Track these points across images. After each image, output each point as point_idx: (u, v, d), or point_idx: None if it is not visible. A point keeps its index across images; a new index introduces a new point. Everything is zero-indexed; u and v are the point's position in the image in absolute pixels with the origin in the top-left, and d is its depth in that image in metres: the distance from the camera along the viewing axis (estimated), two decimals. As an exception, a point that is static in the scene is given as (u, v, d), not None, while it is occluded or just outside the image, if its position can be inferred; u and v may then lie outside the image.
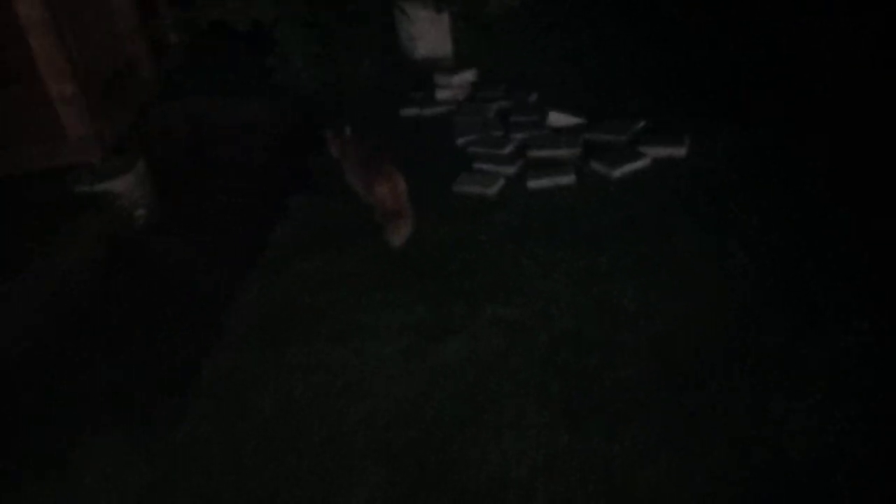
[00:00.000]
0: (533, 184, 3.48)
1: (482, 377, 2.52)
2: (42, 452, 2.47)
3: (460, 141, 3.99)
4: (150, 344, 2.92)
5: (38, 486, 2.36)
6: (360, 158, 3.54)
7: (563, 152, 3.70)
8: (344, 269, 3.13)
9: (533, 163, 3.69)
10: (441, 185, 3.60)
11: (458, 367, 2.56)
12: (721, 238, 2.96)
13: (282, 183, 3.94)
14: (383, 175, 3.34)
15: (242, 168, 4.23)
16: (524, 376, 2.50)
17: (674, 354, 2.48)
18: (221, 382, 2.67)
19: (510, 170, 3.63)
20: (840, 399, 2.26)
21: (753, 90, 4.04)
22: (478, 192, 3.50)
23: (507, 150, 3.83)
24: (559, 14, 5.08)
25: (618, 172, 3.47)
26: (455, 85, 4.55)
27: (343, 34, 4.66)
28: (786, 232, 2.96)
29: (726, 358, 2.44)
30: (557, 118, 4.02)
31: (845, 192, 3.13)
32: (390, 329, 2.78)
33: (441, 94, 4.51)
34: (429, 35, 4.78)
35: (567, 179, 3.48)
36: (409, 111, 4.43)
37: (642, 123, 3.85)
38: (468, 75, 4.61)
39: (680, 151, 3.56)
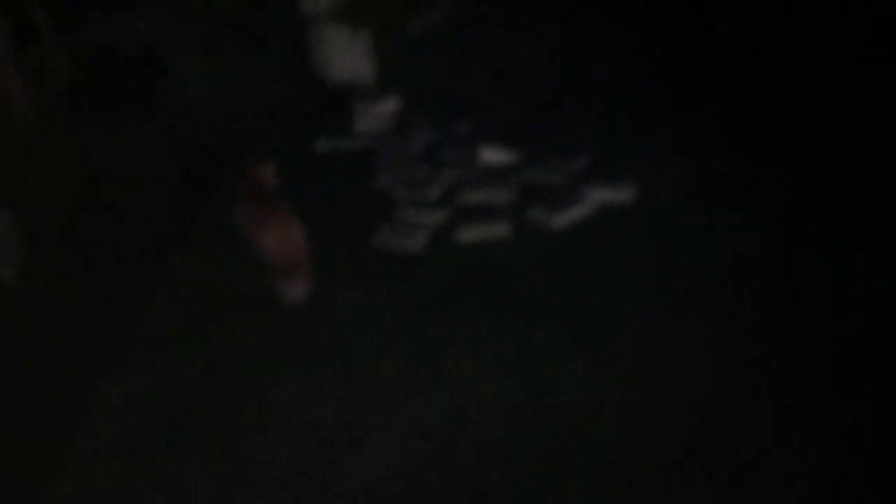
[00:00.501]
0: (463, 236, 3.02)
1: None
2: None
3: (382, 182, 3.51)
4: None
5: None
6: (252, 200, 3.02)
7: (496, 197, 3.25)
8: (232, 354, 2.61)
9: (463, 209, 3.24)
10: (358, 238, 3.11)
11: (361, 495, 2.08)
12: (675, 306, 2.56)
13: (172, 233, 3.40)
14: (272, 221, 2.84)
15: (130, 214, 3.67)
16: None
17: (625, 468, 2.04)
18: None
19: (437, 218, 3.16)
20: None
21: (703, 113, 3.68)
22: (400, 248, 3.02)
23: (434, 193, 3.36)
24: (492, 29, 4.65)
25: (558, 222, 3.04)
26: (377, 114, 4.06)
27: (247, 56, 4.14)
28: (751, 294, 2.57)
29: (689, 474, 2.02)
30: (490, 154, 3.56)
31: (812, 237, 2.78)
32: (279, 443, 2.25)
33: (361, 125, 4.02)
34: (346, 56, 4.28)
35: (501, 230, 3.03)
36: (325, 144, 3.92)
37: (584, 160, 3.44)
38: (391, 103, 4.12)
39: (625, 195, 3.15)
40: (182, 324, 2.76)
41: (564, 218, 3.05)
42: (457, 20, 4.38)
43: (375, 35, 4.18)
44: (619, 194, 3.15)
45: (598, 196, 3.15)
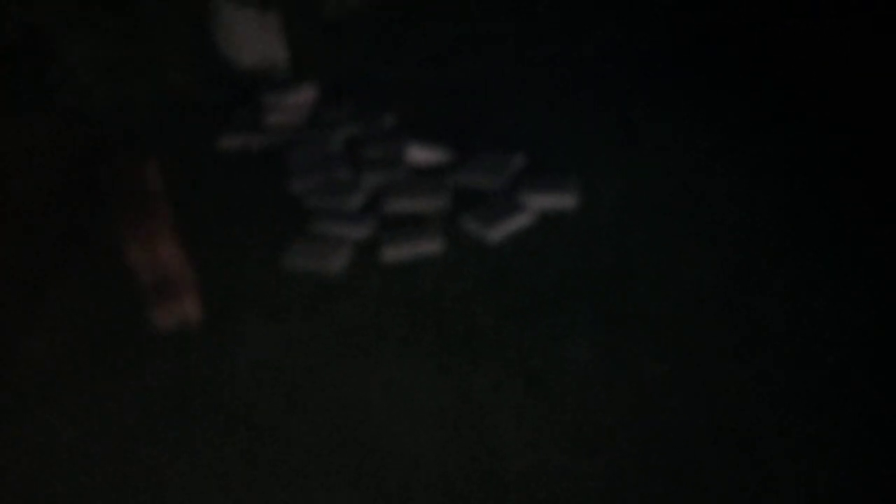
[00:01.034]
0: (389, 254, 2.61)
1: None
2: None
3: (295, 186, 3.05)
4: None
5: None
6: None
7: (426, 204, 2.85)
8: (99, 416, 2.15)
9: (389, 220, 2.82)
10: (267, 257, 2.66)
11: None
12: (630, 333, 2.23)
13: (52, 247, 2.86)
14: (139, 233, 2.41)
15: (4, 219, 3.10)
16: None
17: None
18: None
19: (360, 232, 2.74)
20: None
21: (646, 104, 3.36)
22: (316, 270, 2.59)
23: (356, 202, 2.93)
24: (417, 13, 4.21)
25: (495, 234, 2.67)
26: (289, 105, 3.58)
27: (142, 39, 3.58)
28: (713, 316, 2.27)
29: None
30: (418, 153, 3.15)
31: (776, 249, 2.49)
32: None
33: (272, 118, 3.53)
34: (256, 39, 3.77)
35: (432, 246, 2.63)
36: (231, 141, 3.41)
37: (521, 159, 3.07)
38: (307, 93, 3.64)
39: (568, 201, 2.80)
40: (49, 376, 2.27)
41: (502, 230, 2.67)
42: (377, 2, 3.93)
43: (288, 17, 3.68)
44: (560, 201, 2.79)
45: (538, 203, 2.79)
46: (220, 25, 3.78)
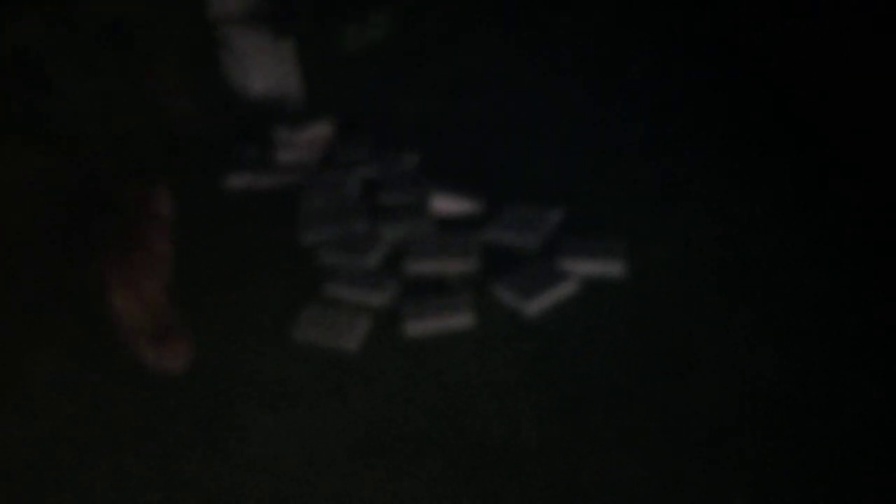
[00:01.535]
0: (413, 328, 2.25)
1: None
2: None
3: (307, 238, 2.70)
4: None
5: None
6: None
7: (453, 266, 2.49)
8: None
9: (412, 283, 2.47)
10: (275, 326, 2.30)
11: None
12: (692, 450, 1.86)
13: (42, 287, 2.50)
14: (125, 277, 2.18)
15: None
16: None
17: None
18: None
19: (379, 299, 2.37)
20: None
21: (691, 152, 3.01)
22: (331, 346, 2.23)
23: (374, 259, 2.57)
24: (440, 45, 3.84)
25: (534, 307, 2.30)
26: (303, 142, 3.22)
27: (143, 67, 3.23)
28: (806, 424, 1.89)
29: None
30: (444, 203, 2.79)
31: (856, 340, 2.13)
32: None
33: (284, 156, 3.17)
34: (268, 68, 3.41)
35: (462, 321, 2.26)
36: (237, 180, 3.06)
37: (557, 214, 2.71)
38: (321, 128, 3.28)
39: (615, 267, 2.44)
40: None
41: (542, 301, 2.31)
42: (399, 36, 3.56)
43: (303, 46, 3.32)
44: (606, 267, 2.43)
45: (582, 270, 2.43)
46: (229, 53, 3.43)
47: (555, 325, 2.25)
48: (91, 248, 2.62)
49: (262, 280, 2.48)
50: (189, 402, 2.04)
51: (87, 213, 2.91)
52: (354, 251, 2.55)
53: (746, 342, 2.14)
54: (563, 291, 2.35)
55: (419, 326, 2.22)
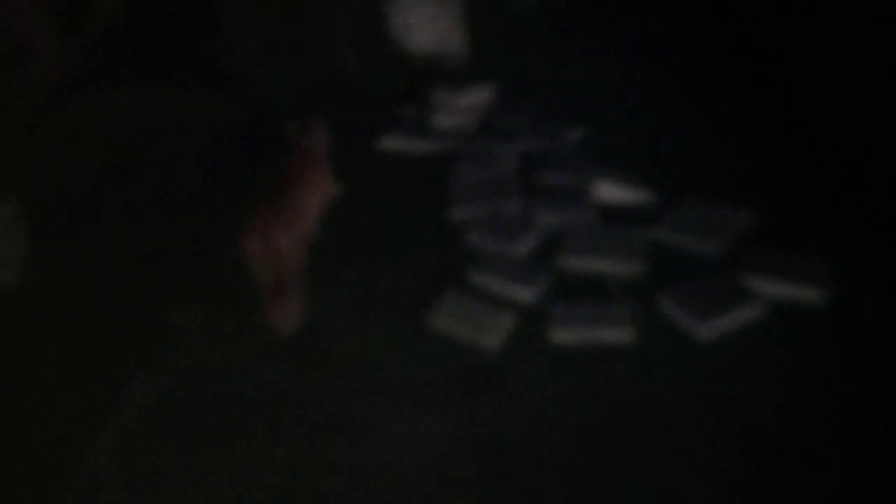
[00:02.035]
0: (561, 335, 1.94)
1: None
2: None
3: (456, 214, 2.44)
4: None
5: None
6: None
7: (614, 266, 2.14)
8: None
9: (565, 282, 2.14)
10: (410, 310, 2.06)
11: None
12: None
13: (210, 223, 2.45)
14: (257, 223, 2.12)
15: (162, 195, 2.71)
16: None
17: None
18: None
19: (527, 294, 2.08)
20: None
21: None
22: (468, 339, 1.98)
23: (525, 246, 2.28)
24: (619, 6, 3.39)
25: (709, 330, 1.92)
26: (461, 107, 2.95)
27: (310, 18, 3.07)
28: None
29: None
30: (609, 189, 2.43)
31: None
32: None
33: (441, 121, 2.91)
34: (432, 24, 3.15)
35: (619, 335, 1.92)
36: (393, 142, 2.84)
37: (746, 216, 2.27)
38: (482, 93, 2.98)
39: (814, 292, 1.99)
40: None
41: (719, 325, 1.92)
42: None
43: (470, 2, 3.02)
44: (803, 291, 1.99)
45: (772, 291, 2.00)
46: (393, 7, 3.19)
47: (732, 355, 1.85)
48: (243, 194, 2.54)
49: (403, 256, 2.26)
50: (311, 384, 1.88)
51: (249, 152, 2.83)
52: (504, 235, 2.27)
53: None
54: (745, 315, 1.94)
55: (568, 334, 1.91)
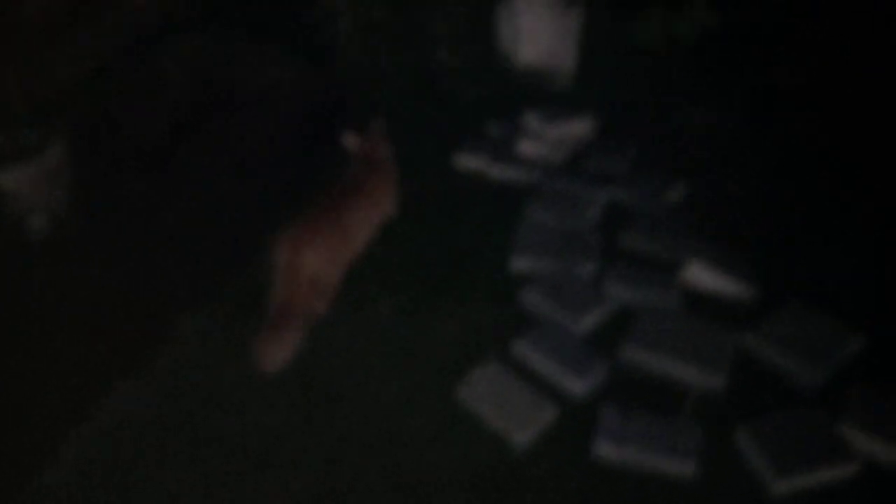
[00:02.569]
0: (607, 450, 1.59)
1: None
2: None
3: (518, 264, 2.12)
4: None
5: None
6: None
7: (691, 376, 1.77)
8: None
9: (627, 378, 1.79)
10: (440, 375, 1.74)
11: None
12: None
13: (275, 203, 2.22)
14: (294, 233, 1.82)
15: (226, 155, 2.50)
16: None
17: None
18: None
19: (576, 387, 1.74)
20: None
21: None
22: (496, 427, 1.67)
23: (588, 322, 1.94)
24: (760, 42, 2.92)
25: (785, 486, 1.52)
26: (553, 137, 2.60)
27: (414, 10, 2.77)
28: None
29: None
30: (701, 274, 2.05)
31: None
32: None
33: (527, 147, 2.58)
34: (542, 37, 2.80)
35: (676, 465, 1.57)
36: (470, 160, 2.54)
37: (857, 346, 1.84)
38: (579, 125, 2.62)
39: (931, 465, 1.58)
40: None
41: (800, 481, 1.54)
42: (713, 32, 2.69)
43: (589, 25, 2.63)
44: (915, 459, 1.59)
45: (874, 448, 1.59)
46: (504, 15, 2.85)
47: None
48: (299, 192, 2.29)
49: (448, 302, 1.95)
50: (305, 435, 1.61)
51: (323, 140, 2.57)
52: (567, 304, 1.93)
53: None
54: (835, 474, 1.56)
55: (616, 450, 1.57)
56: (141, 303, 1.94)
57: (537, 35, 2.78)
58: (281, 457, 1.56)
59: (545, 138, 2.55)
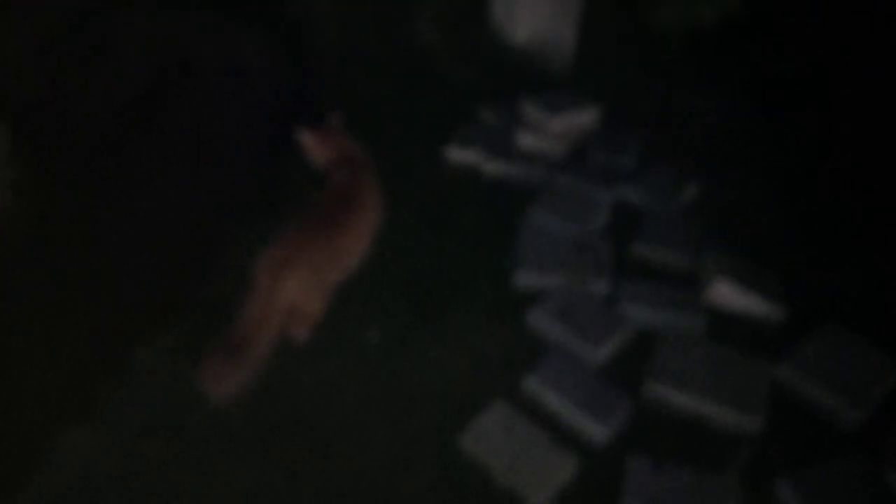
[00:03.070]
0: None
1: None
2: None
3: (523, 279, 1.87)
4: None
5: None
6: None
7: (723, 416, 1.56)
8: None
9: (653, 421, 1.56)
10: (436, 422, 1.48)
11: None
12: None
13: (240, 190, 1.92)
14: (269, 257, 1.54)
15: (189, 136, 2.18)
16: None
17: None
18: None
19: (597, 433, 1.50)
20: None
21: None
22: (505, 484, 1.43)
23: (606, 352, 1.70)
24: (785, 25, 2.65)
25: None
26: (555, 129, 2.34)
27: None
28: None
29: None
30: (728, 294, 1.82)
31: None
32: None
33: (526, 140, 2.31)
34: (540, 13, 2.51)
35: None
36: (462, 154, 2.26)
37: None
38: (583, 116, 2.35)
39: None
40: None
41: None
42: (736, 18, 2.41)
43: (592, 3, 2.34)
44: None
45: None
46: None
47: None
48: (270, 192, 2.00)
49: (445, 326, 1.69)
50: (278, 485, 1.37)
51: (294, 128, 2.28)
52: (581, 331, 1.68)
53: None
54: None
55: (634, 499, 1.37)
56: (86, 332, 1.66)
57: (534, 10, 2.48)
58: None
59: (548, 131, 2.28)
